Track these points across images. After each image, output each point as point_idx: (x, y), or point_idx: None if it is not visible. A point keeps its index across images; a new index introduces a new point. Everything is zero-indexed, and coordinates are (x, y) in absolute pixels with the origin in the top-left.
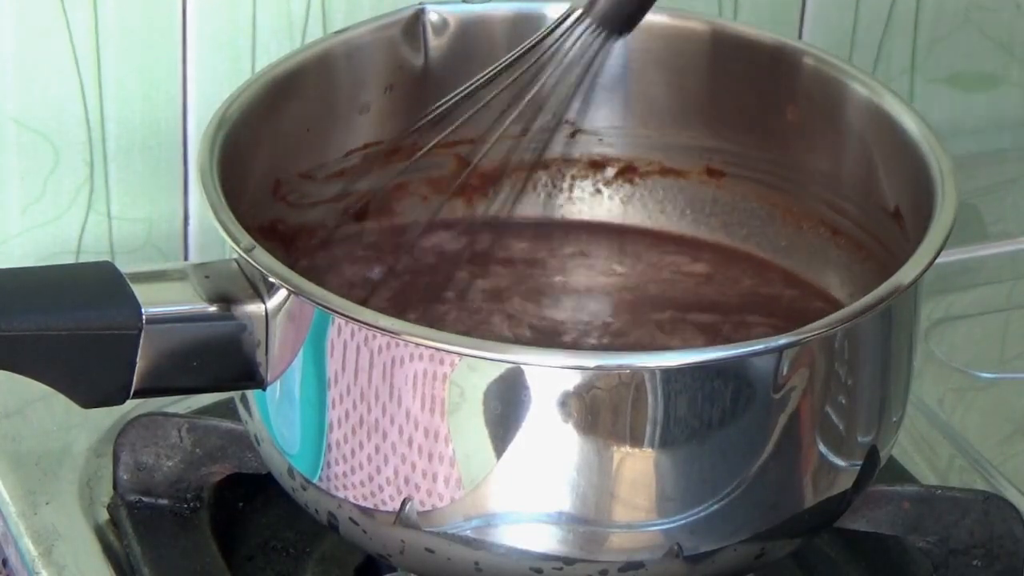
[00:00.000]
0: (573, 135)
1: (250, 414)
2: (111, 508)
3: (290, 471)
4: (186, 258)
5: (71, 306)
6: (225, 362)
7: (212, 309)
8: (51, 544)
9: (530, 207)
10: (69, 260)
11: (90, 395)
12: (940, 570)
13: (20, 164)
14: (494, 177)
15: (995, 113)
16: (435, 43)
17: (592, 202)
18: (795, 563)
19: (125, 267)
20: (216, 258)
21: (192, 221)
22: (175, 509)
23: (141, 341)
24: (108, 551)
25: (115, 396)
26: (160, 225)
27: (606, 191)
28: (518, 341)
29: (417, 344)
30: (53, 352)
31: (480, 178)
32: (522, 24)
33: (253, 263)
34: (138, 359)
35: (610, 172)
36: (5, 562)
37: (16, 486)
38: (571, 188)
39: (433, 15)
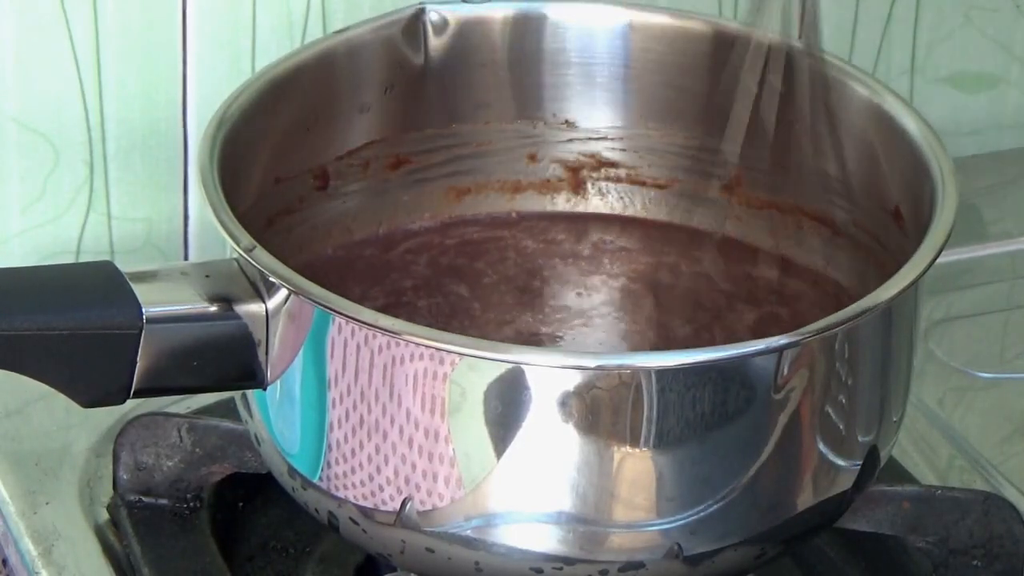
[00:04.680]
0: (573, 135)
1: (250, 414)
2: (111, 508)
3: (290, 471)
4: (186, 258)
5: (72, 306)
6: (225, 362)
7: (212, 309)
8: (51, 544)
9: (530, 207)
10: (69, 260)
11: (90, 395)
12: (940, 570)
13: (20, 164)
14: (495, 176)
15: (995, 113)
16: (435, 43)
17: (592, 201)
18: (795, 563)
19: (125, 267)
20: (216, 258)
21: (192, 221)
22: (175, 509)
23: (142, 341)
24: (108, 551)
25: (115, 396)
26: (160, 225)
27: (606, 191)
28: (521, 340)
29: (417, 344)
30: (54, 352)
31: (481, 177)
32: (522, 24)
33: (253, 263)
34: (138, 359)
35: (610, 171)
36: (5, 562)
37: (16, 486)
38: (571, 188)
39: (433, 15)
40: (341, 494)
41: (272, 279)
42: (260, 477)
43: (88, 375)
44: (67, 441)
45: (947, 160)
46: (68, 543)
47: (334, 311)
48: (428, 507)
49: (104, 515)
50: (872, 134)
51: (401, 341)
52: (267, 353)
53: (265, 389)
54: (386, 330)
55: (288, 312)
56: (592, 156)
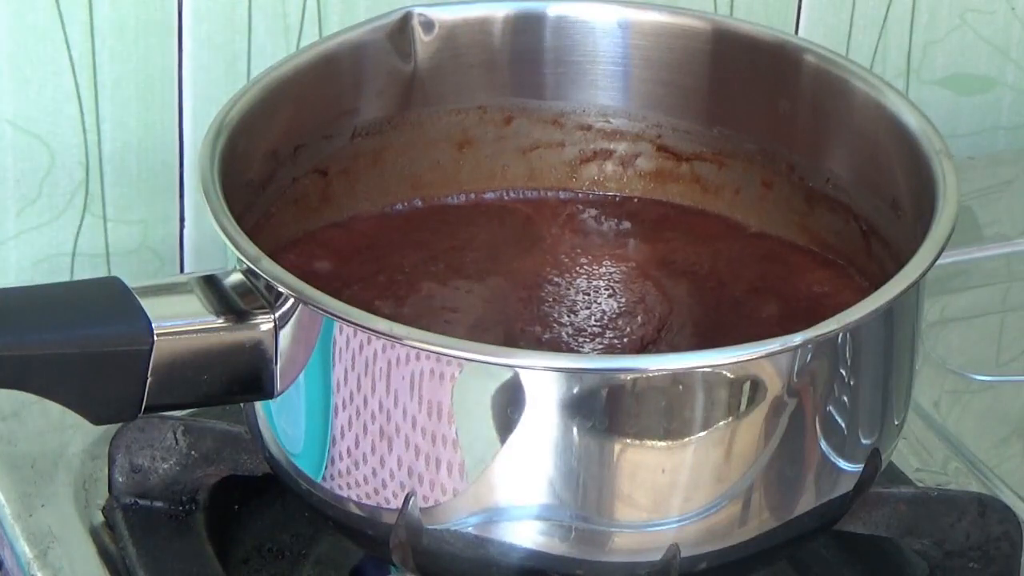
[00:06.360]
0: (570, 134)
1: (255, 415)
2: (106, 510)
3: (294, 471)
4: (182, 261)
5: (81, 324)
6: (235, 374)
7: (221, 321)
8: (46, 546)
9: (528, 205)
10: (64, 262)
11: (102, 412)
12: (936, 572)
13: (16, 167)
14: (493, 176)
15: (990, 115)
16: (425, 44)
17: (590, 199)
18: (791, 565)
19: (121, 270)
20: (212, 261)
21: (188, 223)
22: (170, 511)
23: (152, 357)
24: (103, 553)
25: (127, 412)
26: (155, 227)
27: (605, 187)
28: (520, 335)
29: (420, 349)
30: (64, 371)
31: (479, 176)
32: (512, 26)
33: (261, 272)
34: (149, 374)
35: (609, 168)
36: (0, 564)
37: (11, 488)
38: (569, 184)
39: (421, 18)
40: (344, 493)
41: (280, 288)
42: (256, 479)
43: (99, 393)
44: (62, 443)
45: (948, 157)
46: (63, 545)
47: (342, 319)
48: (430, 505)
49: (99, 517)
50: (872, 131)
51: (407, 346)
52: (276, 363)
53: (274, 399)
54: (391, 336)
55: (296, 321)
56: (591, 154)
